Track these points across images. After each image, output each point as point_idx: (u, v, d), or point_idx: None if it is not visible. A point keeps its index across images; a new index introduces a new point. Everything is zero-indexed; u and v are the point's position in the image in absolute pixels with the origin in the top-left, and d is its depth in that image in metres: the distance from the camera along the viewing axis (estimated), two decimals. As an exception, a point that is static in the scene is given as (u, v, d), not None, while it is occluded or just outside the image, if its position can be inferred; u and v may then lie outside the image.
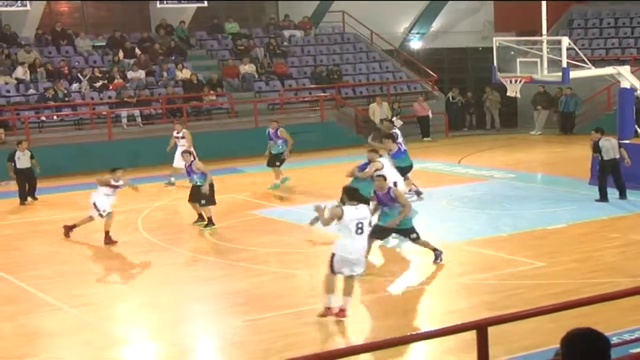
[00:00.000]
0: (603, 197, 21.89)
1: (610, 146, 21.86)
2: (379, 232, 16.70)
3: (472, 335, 7.13)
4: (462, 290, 15.76)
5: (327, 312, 13.90)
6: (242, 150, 31.10)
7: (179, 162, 26.32)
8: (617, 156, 21.89)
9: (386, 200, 16.56)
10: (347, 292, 13.99)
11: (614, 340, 11.61)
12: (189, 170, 21.50)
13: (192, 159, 21.64)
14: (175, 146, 27.05)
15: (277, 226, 21.36)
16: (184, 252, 19.32)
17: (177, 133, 27.35)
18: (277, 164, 25.67)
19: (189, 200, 21.57)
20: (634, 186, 23.23)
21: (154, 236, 20.67)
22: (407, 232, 16.96)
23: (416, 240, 17.06)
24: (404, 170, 22.45)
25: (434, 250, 17.05)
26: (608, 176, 22.00)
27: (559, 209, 21.01)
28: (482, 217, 21.31)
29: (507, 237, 19.41)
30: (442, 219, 21.54)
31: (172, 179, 27.11)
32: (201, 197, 21.09)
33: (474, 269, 17.03)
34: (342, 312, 13.93)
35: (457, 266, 17.33)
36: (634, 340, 11.70)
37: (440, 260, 16.99)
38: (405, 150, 23.29)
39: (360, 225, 13.68)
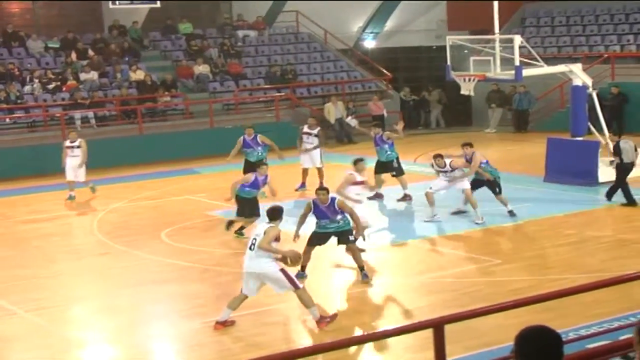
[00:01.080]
0: (630, 200, 21.20)
1: (629, 148, 21.50)
2: (317, 240, 16.43)
3: (431, 333, 7.15)
4: (420, 289, 15.79)
5: (216, 325, 13.86)
6: (198, 151, 31.03)
7: (71, 174, 25.05)
8: (635, 159, 21.58)
9: (329, 214, 16.00)
10: (305, 305, 13.78)
11: (571, 335, 11.72)
12: (261, 183, 19.86)
13: (267, 172, 19.89)
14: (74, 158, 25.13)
15: (234, 227, 21.28)
16: (140, 254, 19.14)
17: (72, 142, 25.40)
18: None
19: (244, 215, 19.98)
20: (586, 182, 23.46)
21: (110, 239, 20.54)
22: (346, 233, 16.16)
23: (351, 243, 16.17)
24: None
25: (362, 268, 16.11)
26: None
27: (514, 206, 21.10)
28: (439, 215, 21.35)
29: (464, 234, 19.51)
30: (399, 218, 21.66)
31: (92, 186, 25.63)
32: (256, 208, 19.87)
33: (431, 267, 17.12)
34: (321, 322, 13.71)
35: (414, 265, 17.41)
36: (590, 335, 11.78)
37: (368, 279, 16.04)
38: None
39: (253, 242, 13.62)
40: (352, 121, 34.88)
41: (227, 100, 35.49)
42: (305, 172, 24.96)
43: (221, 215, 22.36)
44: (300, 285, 13.75)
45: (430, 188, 20.80)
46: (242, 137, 23.78)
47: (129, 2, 36.73)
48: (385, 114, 35.85)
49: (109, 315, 15.22)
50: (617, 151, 21.45)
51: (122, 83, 34.34)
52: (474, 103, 37.01)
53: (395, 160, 23.27)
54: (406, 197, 22.93)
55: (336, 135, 35.10)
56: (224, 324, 13.85)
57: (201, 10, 41.83)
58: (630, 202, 21.16)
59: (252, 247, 13.59)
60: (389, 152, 23.23)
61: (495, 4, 24.52)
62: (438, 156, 20.68)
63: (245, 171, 22.85)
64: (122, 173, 29.08)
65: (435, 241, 19.09)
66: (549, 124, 33.76)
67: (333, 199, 16.06)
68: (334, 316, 13.91)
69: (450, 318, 7.50)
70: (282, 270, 13.61)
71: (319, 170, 24.83)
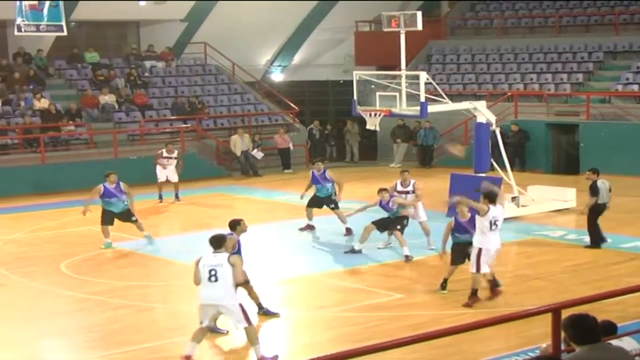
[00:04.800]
0: (594, 242, 20.67)
1: (604, 189, 20.70)
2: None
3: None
4: (322, 323, 15.72)
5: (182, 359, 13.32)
6: (101, 181, 30.42)
7: None
8: (607, 201, 20.80)
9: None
10: (251, 342, 13.43)
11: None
12: None
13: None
14: None
15: (136, 259, 21.04)
16: (38, 285, 18.74)
17: None
18: (134, 218, 22.41)
19: None
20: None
21: (7, 270, 20.07)
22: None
23: None
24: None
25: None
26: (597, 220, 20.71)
27: (417, 241, 21.20)
28: (341, 249, 21.34)
29: (367, 269, 19.48)
30: (302, 251, 21.59)
31: None
32: None
33: (333, 301, 17.03)
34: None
35: (316, 298, 17.33)
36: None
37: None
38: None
39: (213, 273, 13.08)
40: (257, 154, 34.85)
41: (132, 130, 35.13)
42: (161, 185, 28.61)
43: (122, 247, 22.07)
44: (253, 322, 13.55)
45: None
46: (103, 185, 22.42)
47: (35, 30, 36.08)
48: (291, 147, 35.91)
49: (4, 348, 14.84)
50: (594, 191, 20.59)
51: (26, 111, 33.78)
52: (380, 138, 37.24)
53: (333, 195, 23.24)
54: (349, 231, 22.73)
55: (241, 168, 34.97)
56: (188, 358, 13.25)
57: (108, 40, 41.48)
58: (594, 244, 20.68)
59: (213, 278, 13.07)
60: (329, 190, 23.17)
61: (402, 40, 24.66)
62: (383, 190, 20.71)
63: (107, 220, 21.98)
64: (23, 202, 28.59)
65: (337, 275, 19.01)
66: (453, 159, 33.90)
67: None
68: (275, 357, 13.53)
69: (349, 353, 7.43)
70: (241, 305, 13.34)
71: (176, 184, 28.52)
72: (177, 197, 28.57)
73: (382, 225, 20.67)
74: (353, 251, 20.51)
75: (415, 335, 8.36)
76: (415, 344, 8.10)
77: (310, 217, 23.42)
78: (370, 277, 18.64)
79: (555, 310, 8.16)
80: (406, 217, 20.65)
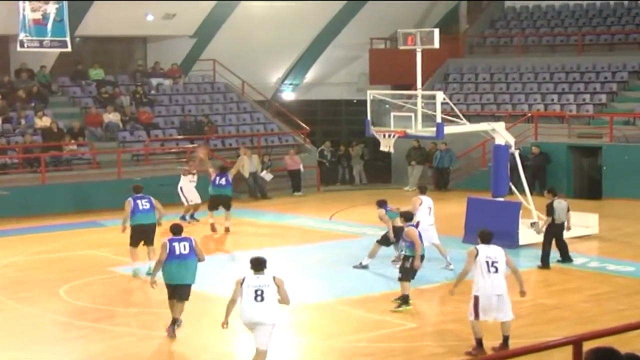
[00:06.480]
0: (545, 264, 21.17)
1: (561, 209, 21.32)
2: None
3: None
4: (334, 353, 15.28)
5: None
6: (104, 202, 29.67)
7: None
8: (564, 220, 21.49)
9: None
10: None
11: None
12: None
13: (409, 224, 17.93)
14: None
15: (139, 284, 20.20)
16: (36, 311, 18.08)
17: None
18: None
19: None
20: (506, 244, 22.69)
21: (4, 295, 19.47)
22: None
23: None
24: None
25: None
26: (552, 240, 21.47)
27: (431, 268, 20.32)
28: (353, 275, 20.69)
29: (379, 296, 18.81)
30: (313, 277, 20.97)
31: None
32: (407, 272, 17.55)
33: (345, 330, 16.55)
34: None
35: (328, 327, 16.85)
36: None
37: None
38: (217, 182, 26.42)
39: (259, 292, 13.15)
40: (267, 175, 33.91)
41: (137, 150, 34.29)
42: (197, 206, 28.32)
43: (124, 271, 21.20)
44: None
45: None
46: (131, 199, 20.91)
47: (38, 45, 35.24)
48: (302, 169, 34.96)
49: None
50: (550, 211, 21.24)
51: (26, 130, 32.88)
52: (394, 160, 36.39)
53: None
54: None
55: (249, 190, 33.92)
56: None
57: (114, 56, 40.70)
58: (544, 265, 21.21)
59: (260, 298, 13.16)
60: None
61: (418, 59, 24.00)
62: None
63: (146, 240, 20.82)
64: (23, 224, 27.83)
65: (349, 302, 18.41)
66: (470, 182, 33.41)
67: None
68: None
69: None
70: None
71: (196, 205, 28.22)
72: (193, 217, 28.07)
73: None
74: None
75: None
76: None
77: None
78: (383, 305, 17.90)
79: (577, 342, 7.83)
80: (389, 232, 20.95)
